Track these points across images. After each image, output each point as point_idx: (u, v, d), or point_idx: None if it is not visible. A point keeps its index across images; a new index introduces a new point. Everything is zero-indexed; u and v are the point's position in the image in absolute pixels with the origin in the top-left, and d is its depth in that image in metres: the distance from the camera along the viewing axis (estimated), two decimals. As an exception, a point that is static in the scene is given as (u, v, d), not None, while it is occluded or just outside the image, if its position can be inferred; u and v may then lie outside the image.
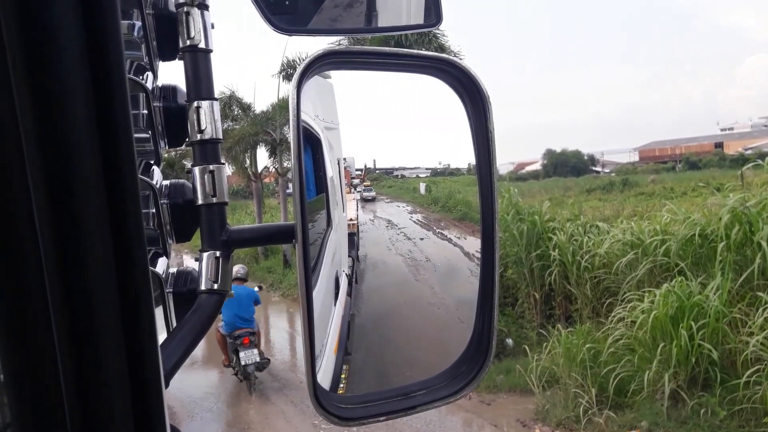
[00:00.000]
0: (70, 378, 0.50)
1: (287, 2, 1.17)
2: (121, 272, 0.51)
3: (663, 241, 9.31)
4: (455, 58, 1.02)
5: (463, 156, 1.15)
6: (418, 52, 1.05)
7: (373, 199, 2.41)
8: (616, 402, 7.89)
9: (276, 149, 22.08)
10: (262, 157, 23.92)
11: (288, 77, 20.20)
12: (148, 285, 0.53)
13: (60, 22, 0.47)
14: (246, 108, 23.15)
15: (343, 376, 1.48)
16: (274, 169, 23.82)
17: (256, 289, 11.33)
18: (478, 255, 1.10)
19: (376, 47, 1.01)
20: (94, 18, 0.49)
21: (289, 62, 20.18)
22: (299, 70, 0.89)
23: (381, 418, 0.98)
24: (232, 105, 22.71)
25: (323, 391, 0.96)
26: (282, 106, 20.46)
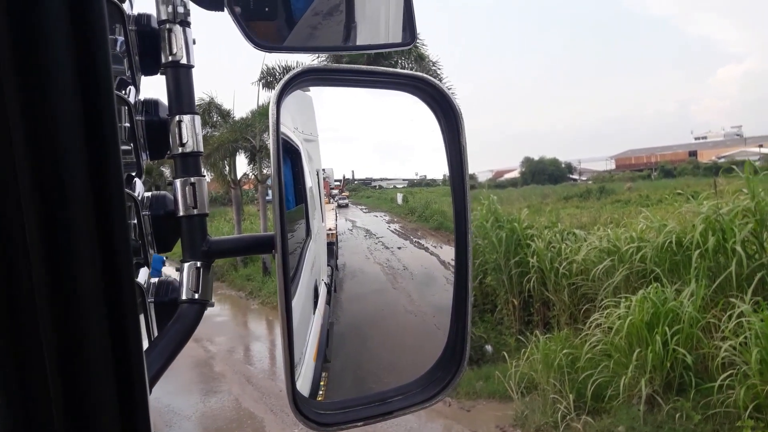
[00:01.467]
0: (57, 384, 0.52)
1: (267, 20, 1.20)
2: (108, 281, 0.53)
3: (639, 248, 9.43)
4: (430, 77, 1.05)
5: (439, 167, 1.18)
6: (395, 70, 1.09)
7: (346, 206, 2.53)
8: (593, 407, 7.95)
9: (255, 156, 21.97)
10: (242, 164, 23.83)
11: (267, 85, 20.14)
12: (133, 294, 0.55)
13: (49, 34, 0.49)
14: (225, 115, 23.03)
15: (322, 383, 1.50)
16: (253, 176, 23.70)
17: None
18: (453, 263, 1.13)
19: (354, 65, 1.04)
20: (85, 31, 0.50)
21: (268, 70, 20.15)
22: (279, 86, 0.91)
23: (359, 424, 1.00)
24: (211, 111, 22.58)
25: (302, 397, 0.98)
26: (261, 113, 20.37)
